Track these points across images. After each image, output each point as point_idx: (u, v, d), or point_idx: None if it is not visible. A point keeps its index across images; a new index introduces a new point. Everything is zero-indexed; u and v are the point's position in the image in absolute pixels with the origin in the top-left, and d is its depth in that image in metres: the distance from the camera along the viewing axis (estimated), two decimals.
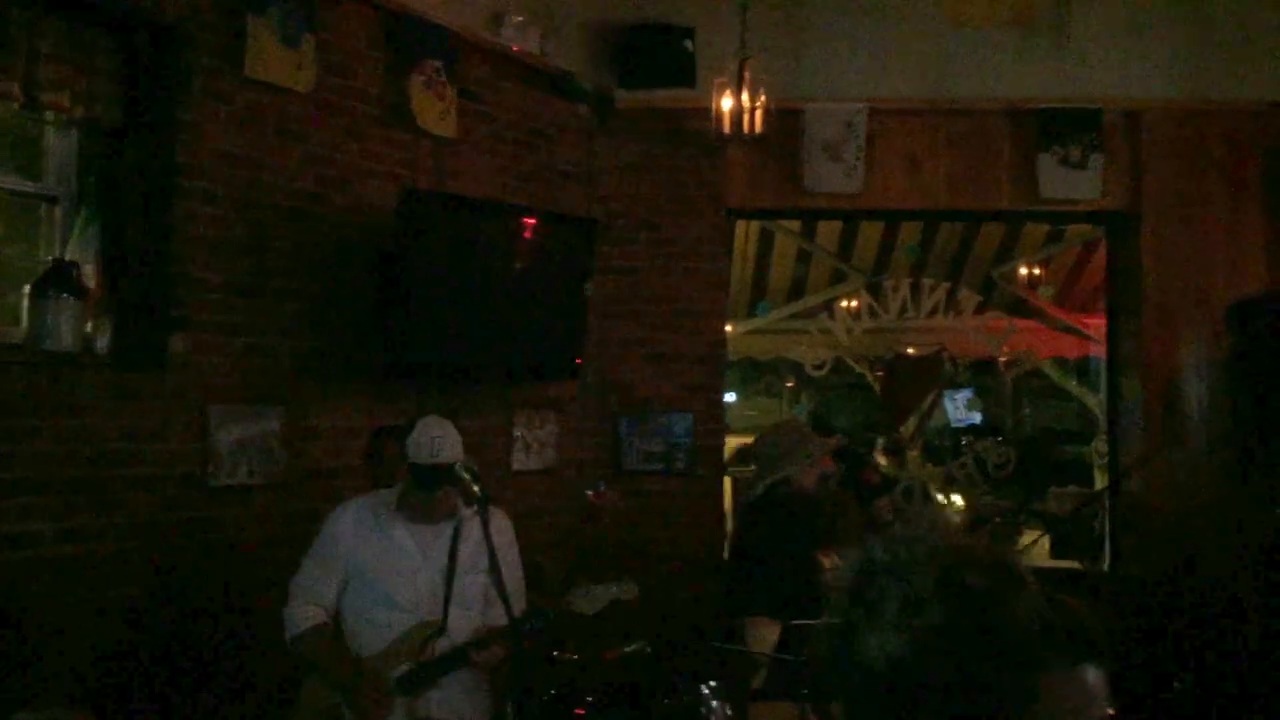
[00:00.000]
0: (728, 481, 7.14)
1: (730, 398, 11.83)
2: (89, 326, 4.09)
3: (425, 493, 3.35)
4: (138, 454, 4.09)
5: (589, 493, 3.60)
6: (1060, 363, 9.37)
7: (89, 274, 4.19)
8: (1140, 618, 5.81)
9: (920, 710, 1.22)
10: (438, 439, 3.29)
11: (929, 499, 7.54)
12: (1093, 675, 1.32)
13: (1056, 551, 7.00)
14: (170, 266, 4.26)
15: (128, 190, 4.29)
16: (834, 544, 4.06)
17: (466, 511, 3.42)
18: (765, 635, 3.86)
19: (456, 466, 3.24)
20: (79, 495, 3.88)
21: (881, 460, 8.43)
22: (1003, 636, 1.22)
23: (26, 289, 4.02)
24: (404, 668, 3.34)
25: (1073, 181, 6.34)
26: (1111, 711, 1.33)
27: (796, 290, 9.94)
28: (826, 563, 3.99)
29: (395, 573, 3.40)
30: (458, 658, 3.34)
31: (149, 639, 4.05)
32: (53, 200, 4.27)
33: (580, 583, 3.50)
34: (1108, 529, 6.83)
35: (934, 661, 1.21)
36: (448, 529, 3.43)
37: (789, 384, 13.84)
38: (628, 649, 4.96)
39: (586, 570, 5.27)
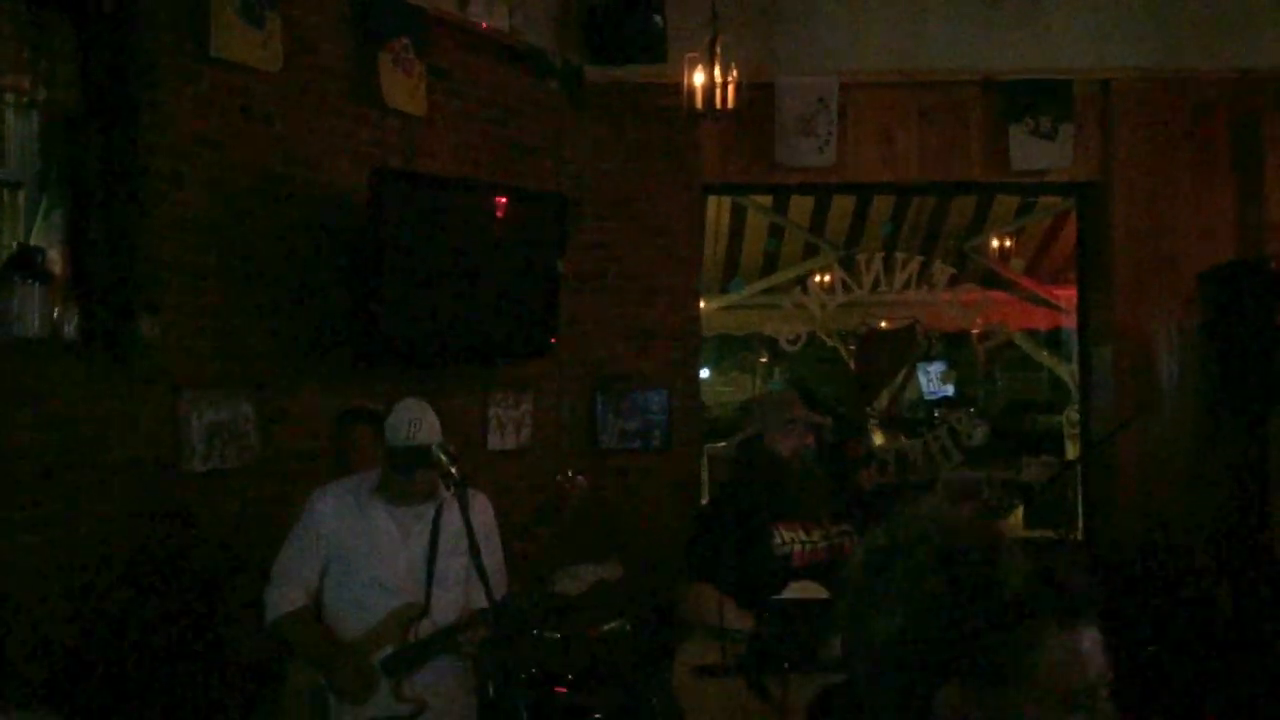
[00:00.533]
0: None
1: (705, 374, 11.84)
2: (56, 312, 4.02)
3: (403, 475, 3.33)
4: (108, 440, 4.04)
5: (559, 478, 3.59)
6: (1032, 334, 9.44)
7: (55, 259, 4.12)
8: (1112, 585, 5.87)
9: (928, 674, 1.32)
10: (414, 421, 3.26)
11: (908, 469, 7.59)
12: (1089, 636, 1.38)
13: (1030, 521, 7.05)
14: (138, 250, 4.20)
15: (92, 173, 4.22)
16: (795, 517, 4.03)
17: (447, 493, 3.40)
18: (704, 602, 3.83)
19: (433, 447, 3.21)
20: (49, 483, 3.83)
21: (877, 436, 8.45)
22: (997, 593, 1.32)
23: None
24: (388, 650, 3.32)
25: (1043, 152, 6.36)
26: (1109, 674, 1.37)
27: (769, 265, 9.95)
28: (786, 535, 3.96)
29: (376, 555, 3.38)
30: (442, 640, 3.33)
31: (124, 626, 4.02)
32: (15, 185, 4.19)
33: (563, 563, 3.49)
34: (1080, 498, 6.89)
35: (936, 625, 1.32)
36: (429, 511, 3.42)
37: (763, 359, 13.86)
38: (608, 627, 4.97)
39: (567, 549, 5.27)
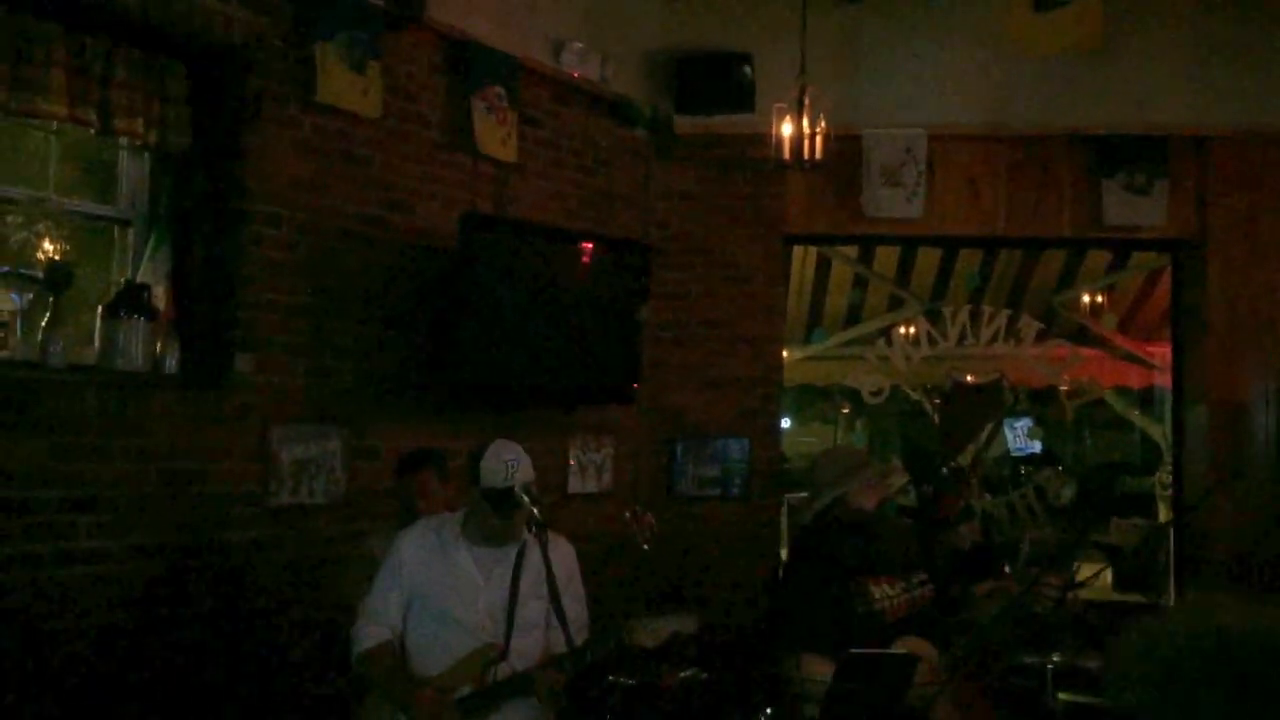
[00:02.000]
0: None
1: (786, 424, 11.77)
2: (158, 347, 4.17)
3: (502, 518, 3.34)
4: (203, 472, 4.16)
5: (627, 514, 3.58)
6: (1123, 392, 9.23)
7: (159, 295, 4.28)
8: None
9: None
10: (511, 462, 3.28)
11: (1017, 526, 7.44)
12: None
13: (1120, 584, 6.87)
14: (236, 288, 4.34)
15: (196, 214, 4.39)
16: (883, 571, 3.99)
17: (529, 536, 3.41)
18: (817, 671, 3.79)
19: (517, 489, 3.24)
20: (146, 512, 3.95)
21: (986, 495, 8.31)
22: None
23: (99, 310, 4.11)
24: (465, 690, 3.34)
25: (1137, 208, 6.26)
26: None
27: (853, 317, 9.89)
28: (876, 591, 3.92)
29: (457, 595, 3.40)
30: (520, 683, 3.33)
31: (212, 655, 4.10)
32: (125, 224, 4.37)
33: (640, 614, 3.47)
34: (1172, 562, 6.70)
35: None
36: (511, 553, 3.43)
37: (844, 410, 13.74)
38: (684, 675, 4.94)
39: (643, 595, 5.26)
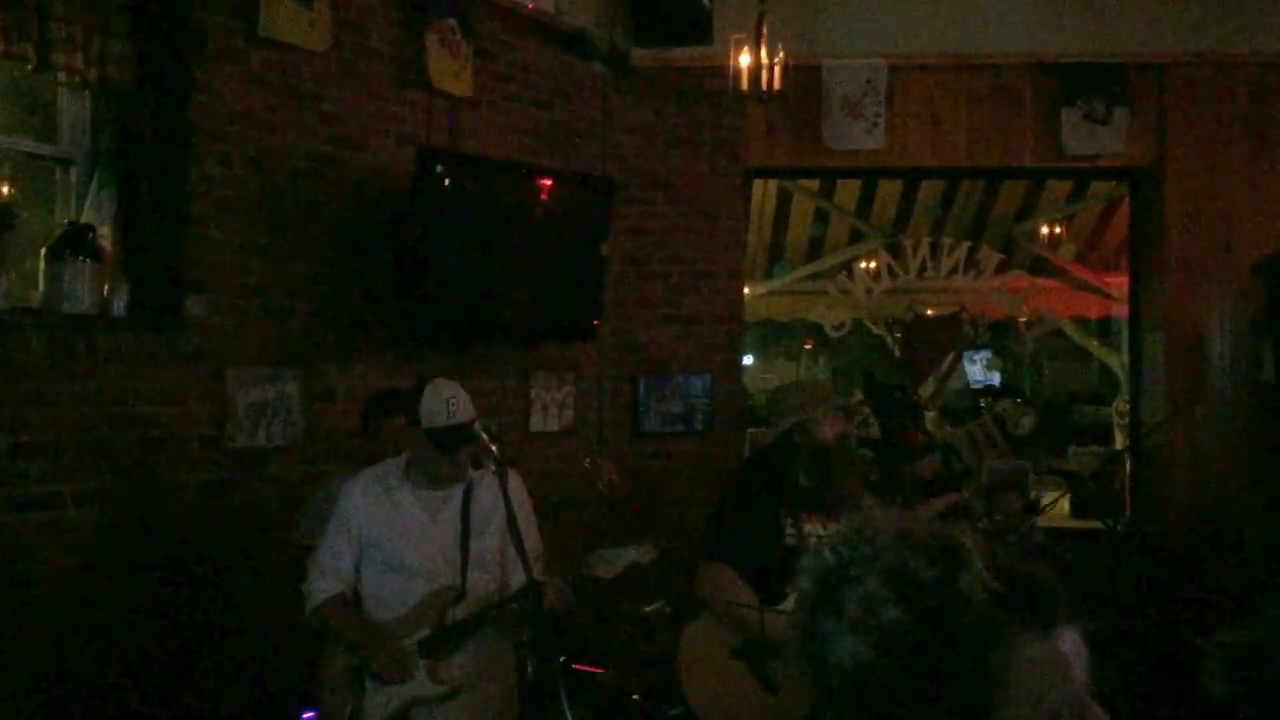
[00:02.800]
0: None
1: (749, 360, 11.80)
2: (106, 289, 4.08)
3: (447, 455, 3.32)
4: (156, 416, 4.09)
5: (586, 461, 3.57)
6: (1081, 322, 9.31)
7: (105, 236, 4.18)
8: (1159, 575, 5.78)
9: (898, 707, 1.20)
10: (452, 400, 3.27)
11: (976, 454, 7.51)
12: (1068, 643, 1.30)
13: (1077, 511, 6.97)
14: (186, 228, 4.24)
15: (142, 152, 4.26)
16: (832, 508, 3.97)
17: (475, 473, 3.41)
18: (719, 582, 3.78)
19: (476, 425, 3.22)
20: (98, 458, 3.89)
21: (946, 427, 8.38)
22: (955, 621, 1.20)
23: (43, 252, 4.00)
24: (424, 632, 3.34)
25: (1096, 137, 6.26)
26: (1085, 676, 1.31)
27: (815, 251, 9.89)
28: (807, 527, 3.91)
29: (407, 540, 3.39)
30: (478, 621, 3.34)
31: (167, 601, 4.07)
32: (68, 163, 4.25)
33: (599, 546, 3.47)
34: (1129, 488, 6.80)
35: (897, 659, 1.20)
36: (457, 493, 3.42)
37: (807, 346, 13.80)
38: (648, 609, 4.98)
39: (608, 530, 5.27)
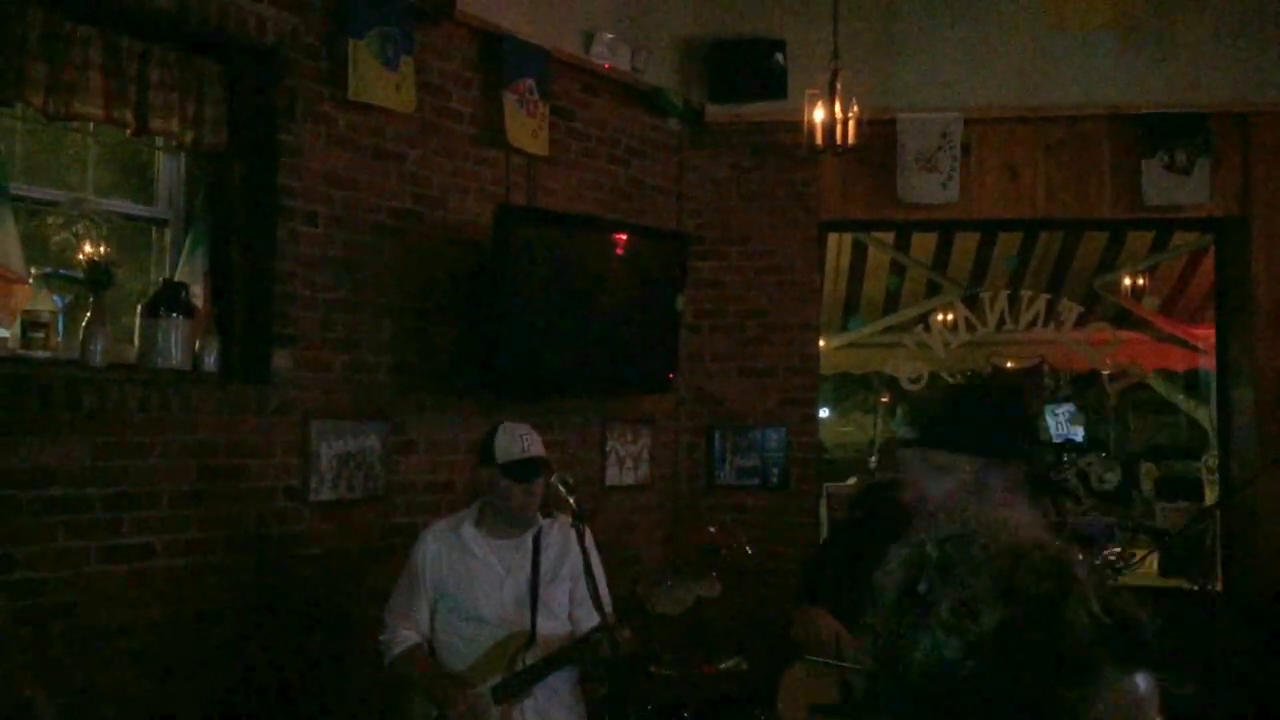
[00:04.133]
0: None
1: (825, 414, 11.72)
2: (197, 345, 4.21)
3: (521, 484, 3.36)
4: (243, 468, 4.19)
5: (711, 530, 3.58)
6: (1167, 375, 9.11)
7: (197, 294, 4.32)
8: (1252, 638, 5.59)
9: (976, 715, 1.18)
10: (524, 435, 3.40)
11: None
12: (1144, 684, 1.27)
13: (1165, 569, 6.78)
14: (274, 285, 4.37)
15: (233, 212, 4.42)
16: None
17: (544, 521, 3.47)
18: (817, 625, 3.73)
19: (554, 478, 3.28)
20: (188, 509, 3.99)
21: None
22: (1058, 645, 1.18)
23: (139, 309, 4.15)
24: (497, 678, 3.36)
25: (1178, 187, 6.16)
26: None
27: (890, 303, 9.83)
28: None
29: (481, 590, 3.45)
30: (546, 666, 3.36)
31: (251, 651, 4.14)
32: (163, 223, 4.41)
33: (660, 580, 3.45)
34: (1219, 546, 6.60)
35: (987, 668, 1.18)
36: (527, 540, 3.47)
37: (884, 399, 13.66)
38: (724, 665, 4.94)
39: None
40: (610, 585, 3.55)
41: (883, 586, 1.30)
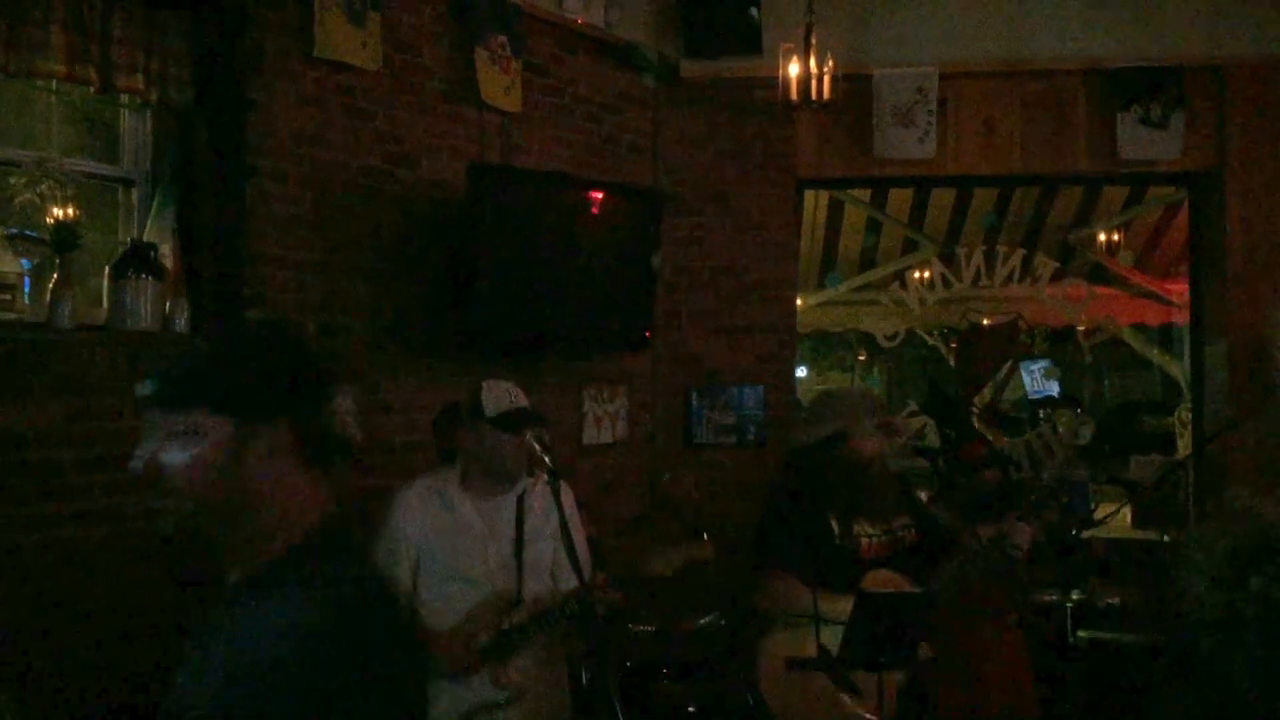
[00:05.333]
0: None
1: (802, 372, 11.75)
2: (167, 306, 4.16)
3: (515, 436, 3.35)
4: None
5: (665, 478, 3.58)
6: (1141, 330, 9.16)
7: (166, 254, 4.26)
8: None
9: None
10: (509, 389, 3.39)
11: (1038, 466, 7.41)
12: None
13: (1138, 521, 6.85)
14: (244, 245, 4.32)
15: (201, 170, 4.35)
16: (863, 514, 3.98)
17: (527, 481, 3.45)
18: (790, 593, 3.78)
19: (529, 435, 3.26)
20: None
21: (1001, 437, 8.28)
22: None
23: (106, 270, 4.10)
24: (484, 639, 3.36)
25: (1153, 141, 6.17)
26: None
27: (867, 261, 9.85)
28: (856, 528, 3.92)
29: (466, 550, 3.42)
30: (537, 625, 3.36)
31: None
32: (129, 182, 4.35)
33: (652, 546, 3.48)
34: (1191, 497, 6.67)
35: None
36: (511, 500, 3.46)
37: (861, 356, 13.71)
38: (702, 621, 4.96)
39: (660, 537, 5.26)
40: (593, 545, 3.56)
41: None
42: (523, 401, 3.38)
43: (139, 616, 3.85)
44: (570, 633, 3.40)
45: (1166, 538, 6.30)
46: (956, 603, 3.91)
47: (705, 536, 3.47)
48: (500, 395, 3.36)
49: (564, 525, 3.07)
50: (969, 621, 4.19)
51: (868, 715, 3.57)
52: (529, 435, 3.26)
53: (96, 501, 3.77)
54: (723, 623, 5.02)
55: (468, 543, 3.42)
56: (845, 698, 3.60)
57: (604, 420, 5.95)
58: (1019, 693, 4.38)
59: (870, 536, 3.96)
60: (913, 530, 4.06)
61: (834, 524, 3.88)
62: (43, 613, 3.61)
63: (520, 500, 3.45)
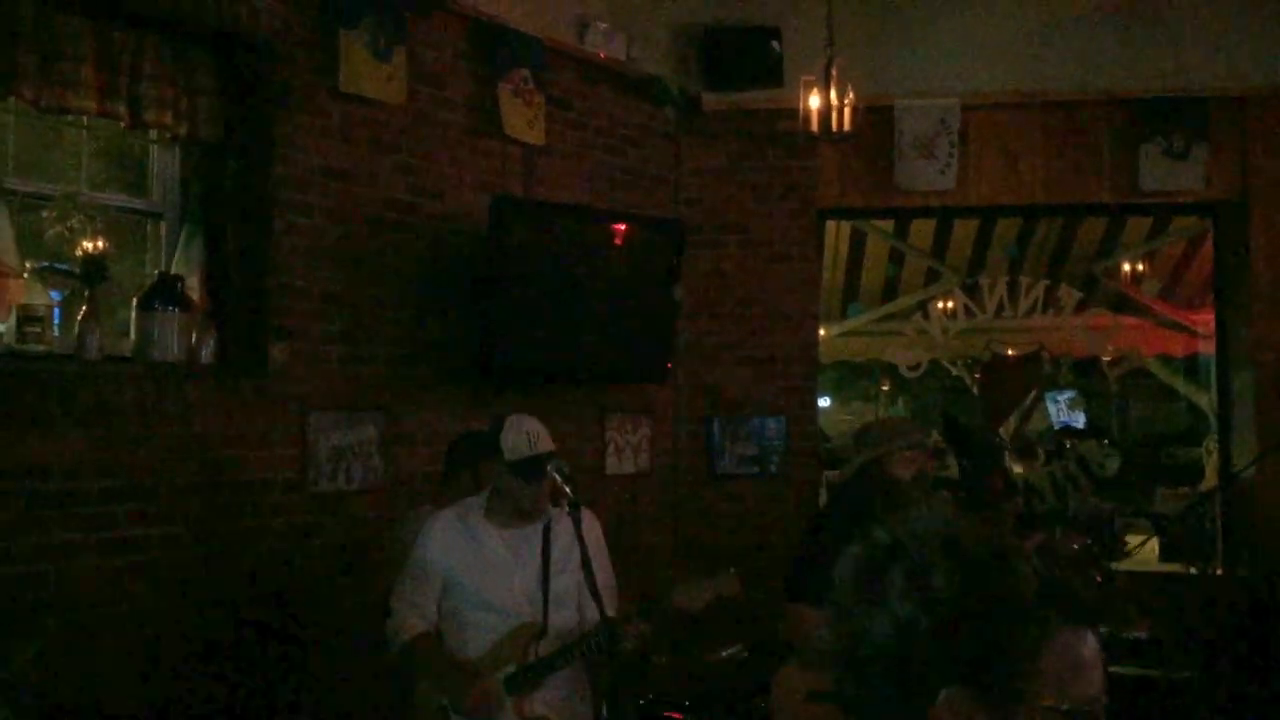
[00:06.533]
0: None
1: (825, 402, 11.72)
2: (193, 338, 4.21)
3: (531, 485, 3.35)
4: (241, 460, 4.19)
5: (732, 571, 3.58)
6: (1167, 360, 9.10)
7: (193, 287, 4.32)
8: (1253, 621, 5.59)
9: (931, 675, 1.25)
10: (532, 433, 3.33)
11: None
12: (1091, 644, 1.37)
13: (1166, 554, 6.77)
14: (269, 277, 4.37)
15: (228, 204, 4.42)
16: None
17: (554, 511, 3.44)
18: (804, 624, 3.74)
19: (550, 466, 3.26)
20: (186, 501, 3.99)
21: (1016, 466, 8.23)
22: (1005, 596, 1.27)
23: (134, 303, 4.15)
24: (509, 669, 3.36)
25: (1175, 172, 6.14)
26: (1101, 682, 1.38)
27: (889, 291, 9.83)
28: None
29: (491, 580, 3.42)
30: (562, 656, 3.35)
31: (250, 642, 4.15)
32: (158, 216, 4.41)
33: (680, 579, 3.45)
34: (1219, 531, 6.59)
35: (941, 623, 1.24)
36: (537, 531, 3.45)
37: (884, 387, 13.66)
38: (725, 653, 4.93)
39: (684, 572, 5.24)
40: (619, 575, 3.55)
41: (841, 577, 1.37)
42: (544, 446, 3.32)
43: (161, 644, 3.87)
44: (598, 664, 3.39)
45: (1194, 570, 6.22)
46: None
47: (733, 571, 3.43)
48: (519, 440, 3.32)
49: (585, 557, 3.06)
50: None
51: None
52: (550, 468, 3.26)
53: (121, 531, 3.80)
54: (746, 655, 4.99)
55: (494, 572, 3.42)
56: None
57: (626, 451, 5.95)
58: None
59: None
60: None
61: None
62: (67, 641, 3.63)
63: (546, 530, 3.44)
